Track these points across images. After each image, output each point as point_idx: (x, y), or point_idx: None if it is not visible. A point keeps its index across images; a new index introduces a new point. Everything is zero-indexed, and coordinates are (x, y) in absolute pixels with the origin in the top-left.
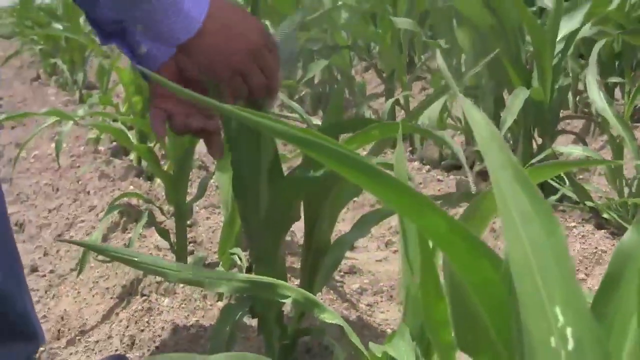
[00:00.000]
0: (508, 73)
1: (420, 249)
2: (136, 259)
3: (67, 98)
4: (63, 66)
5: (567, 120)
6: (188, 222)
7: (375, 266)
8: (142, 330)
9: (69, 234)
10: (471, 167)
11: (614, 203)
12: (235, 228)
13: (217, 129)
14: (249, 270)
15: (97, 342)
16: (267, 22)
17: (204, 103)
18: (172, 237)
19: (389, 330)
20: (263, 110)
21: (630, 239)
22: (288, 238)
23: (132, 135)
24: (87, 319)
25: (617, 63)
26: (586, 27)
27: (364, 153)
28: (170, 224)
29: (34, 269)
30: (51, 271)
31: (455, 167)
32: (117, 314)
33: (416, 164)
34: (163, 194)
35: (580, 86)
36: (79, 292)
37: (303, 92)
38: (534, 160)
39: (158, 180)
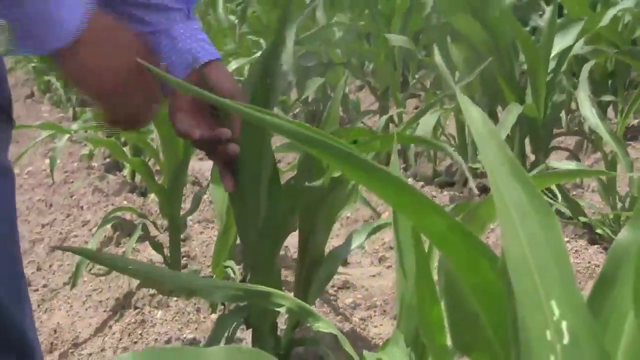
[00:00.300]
0: (501, 89)
1: (415, 253)
2: (130, 267)
3: (61, 115)
4: (57, 83)
5: (560, 138)
6: (182, 237)
7: (369, 281)
8: (135, 343)
9: None
10: (464, 184)
11: (607, 218)
12: (230, 241)
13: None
14: (242, 282)
15: (90, 355)
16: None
17: (214, 102)
18: (166, 251)
19: (382, 344)
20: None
21: (625, 238)
22: (282, 252)
23: (126, 151)
24: (80, 332)
25: (610, 82)
26: (579, 43)
27: None
28: (163, 238)
29: (27, 284)
30: (44, 285)
31: (449, 183)
32: (110, 326)
33: (410, 180)
34: (156, 209)
35: (574, 105)
36: (71, 306)
37: (297, 110)
38: None
39: (152, 196)
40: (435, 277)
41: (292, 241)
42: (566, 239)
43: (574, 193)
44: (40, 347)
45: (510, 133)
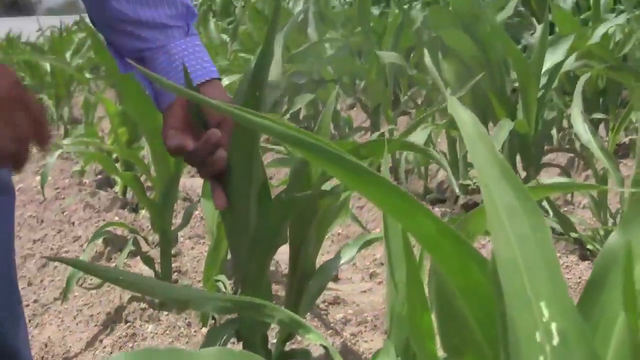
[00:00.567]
0: (492, 105)
1: (406, 261)
2: (121, 278)
3: (53, 133)
4: (48, 101)
5: (551, 155)
6: (173, 252)
7: (360, 297)
8: None
9: (53, 264)
10: (455, 202)
11: (598, 234)
12: (221, 255)
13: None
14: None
15: None
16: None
17: (216, 108)
18: (157, 267)
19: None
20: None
21: (614, 243)
22: (273, 268)
23: (117, 167)
24: (70, 347)
25: (601, 100)
26: (571, 59)
27: None
28: (155, 253)
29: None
30: (35, 301)
31: (440, 200)
32: (101, 340)
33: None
34: (147, 225)
35: (565, 123)
36: (62, 321)
37: None
38: None
39: (143, 212)
40: (426, 287)
41: (283, 257)
42: (557, 255)
43: (565, 209)
44: None
45: (501, 149)
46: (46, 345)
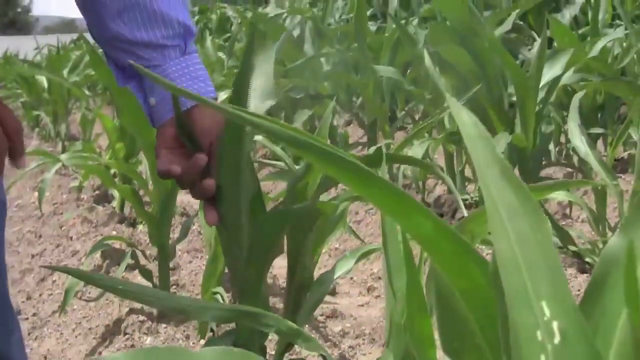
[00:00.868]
0: (491, 119)
1: (406, 266)
2: (120, 287)
3: (50, 149)
4: (46, 118)
5: (549, 170)
6: (171, 266)
7: (357, 311)
8: None
9: (52, 278)
10: (452, 216)
11: (596, 247)
12: (218, 268)
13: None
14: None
15: None
16: None
17: (223, 112)
18: (155, 280)
19: None
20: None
21: (615, 244)
22: (270, 281)
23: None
24: (70, 359)
25: (599, 115)
26: (569, 73)
27: None
28: (153, 267)
29: (17, 313)
30: (34, 314)
31: (438, 215)
32: (100, 353)
33: None
34: (145, 239)
35: (562, 139)
36: (61, 334)
37: None
38: None
39: (140, 227)
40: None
41: (281, 272)
42: None
43: (563, 223)
44: None
45: None
46: (45, 358)
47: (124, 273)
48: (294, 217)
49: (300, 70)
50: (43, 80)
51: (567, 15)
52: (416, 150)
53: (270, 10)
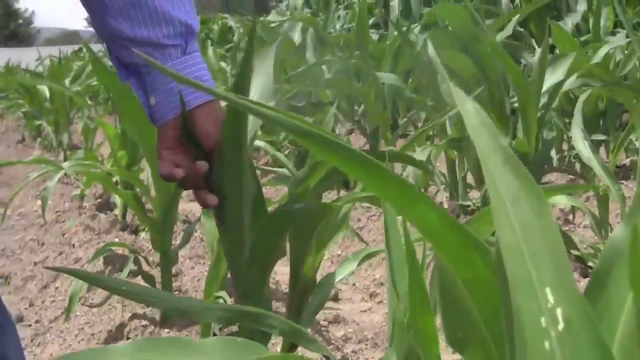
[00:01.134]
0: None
1: (408, 262)
2: (124, 288)
3: (52, 159)
4: (48, 128)
5: (551, 177)
6: (173, 272)
7: (360, 316)
8: None
9: (55, 285)
10: None
11: (599, 252)
12: (221, 272)
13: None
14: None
15: None
16: None
17: (222, 98)
18: (158, 286)
19: None
20: None
21: (620, 235)
22: (273, 286)
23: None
24: None
25: (601, 122)
26: (571, 79)
27: None
28: (155, 273)
29: (20, 319)
30: (37, 321)
31: None
32: None
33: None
34: (147, 246)
35: (564, 146)
36: (64, 339)
37: (287, 152)
38: None
39: (143, 234)
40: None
41: (283, 278)
42: None
43: (566, 229)
44: None
45: None
46: None
47: (127, 279)
48: (297, 217)
49: (302, 77)
50: (45, 90)
51: (569, 23)
52: (418, 156)
53: (273, 17)
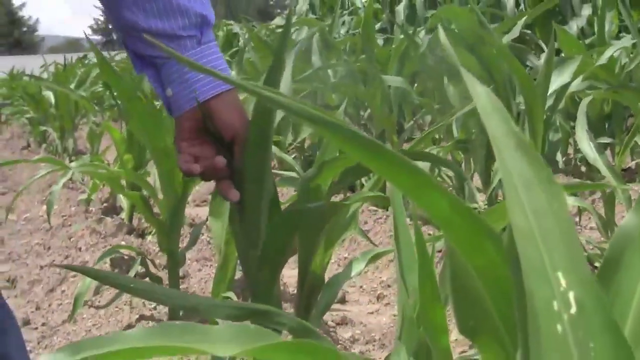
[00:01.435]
0: None
1: (418, 253)
2: (132, 286)
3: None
4: (54, 134)
5: (556, 179)
6: (180, 274)
7: (367, 318)
8: None
9: (61, 289)
10: None
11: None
12: (229, 273)
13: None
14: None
15: None
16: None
17: (234, 84)
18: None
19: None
20: None
21: (630, 222)
22: (281, 288)
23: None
24: None
25: (607, 125)
26: (577, 81)
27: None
28: (162, 275)
29: (26, 322)
30: (43, 324)
31: None
32: None
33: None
34: (154, 249)
35: (570, 150)
36: (71, 342)
37: (293, 156)
38: None
39: (149, 237)
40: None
41: (290, 281)
42: None
43: None
44: None
45: None
46: None
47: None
48: (307, 215)
49: (308, 81)
50: (50, 95)
51: (574, 27)
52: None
53: (278, 21)
